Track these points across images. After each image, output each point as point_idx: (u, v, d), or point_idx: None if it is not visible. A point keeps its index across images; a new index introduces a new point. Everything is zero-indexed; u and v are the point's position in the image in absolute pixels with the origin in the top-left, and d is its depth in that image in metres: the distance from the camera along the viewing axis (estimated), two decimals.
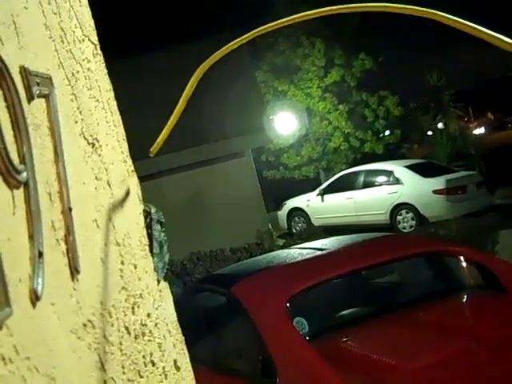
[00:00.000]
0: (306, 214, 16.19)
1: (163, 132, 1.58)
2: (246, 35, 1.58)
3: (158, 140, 1.58)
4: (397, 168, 14.58)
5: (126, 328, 1.22)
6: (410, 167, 14.50)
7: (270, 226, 12.82)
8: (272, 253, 5.96)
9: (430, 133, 22.32)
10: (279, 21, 1.59)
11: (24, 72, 1.01)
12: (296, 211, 16.55)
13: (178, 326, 1.56)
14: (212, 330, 4.67)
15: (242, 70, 12.93)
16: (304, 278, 4.13)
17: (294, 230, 16.01)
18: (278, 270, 4.50)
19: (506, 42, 1.11)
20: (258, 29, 1.63)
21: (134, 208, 1.49)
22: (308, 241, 8.06)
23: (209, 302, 5.04)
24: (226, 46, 1.59)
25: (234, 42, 1.58)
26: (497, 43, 1.13)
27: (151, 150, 1.58)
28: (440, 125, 21.59)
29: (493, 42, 1.15)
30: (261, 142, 14.20)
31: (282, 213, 16.87)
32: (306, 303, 4.18)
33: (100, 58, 1.51)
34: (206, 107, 11.34)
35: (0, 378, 0.78)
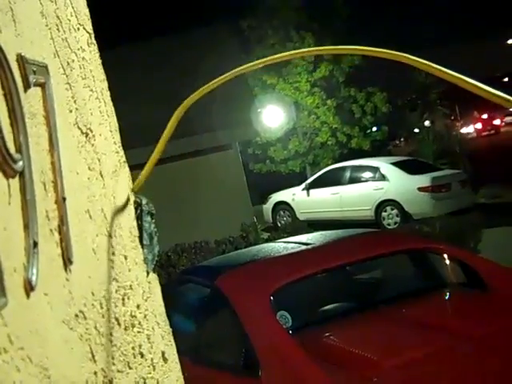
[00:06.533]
0: (291, 208, 16.22)
1: (144, 169, 1.55)
2: (234, 71, 1.54)
3: (140, 178, 1.56)
4: (383, 164, 14.64)
5: (117, 319, 1.22)
6: (396, 164, 14.56)
7: (255, 219, 12.82)
8: (257, 246, 5.97)
9: (416, 130, 22.46)
10: (272, 57, 1.56)
11: (21, 60, 1.00)
12: (281, 205, 16.58)
13: (166, 317, 1.56)
14: (195, 321, 4.67)
15: (230, 62, 12.89)
16: (288, 272, 4.14)
17: (279, 224, 16.04)
18: (263, 264, 4.51)
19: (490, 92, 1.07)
20: (248, 65, 1.61)
21: (125, 199, 1.49)
22: (293, 235, 8.08)
23: (193, 293, 5.04)
24: (208, 85, 1.52)
25: (218, 79, 1.52)
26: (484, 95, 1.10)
27: (132, 187, 1.55)
28: (427, 122, 21.71)
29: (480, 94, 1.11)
30: (248, 135, 14.19)
31: (267, 206, 16.90)
32: (290, 297, 4.20)
33: (94, 47, 1.50)
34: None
35: None
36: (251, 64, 1.63)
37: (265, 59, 1.59)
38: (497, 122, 49.65)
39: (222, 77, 1.55)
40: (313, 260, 4.41)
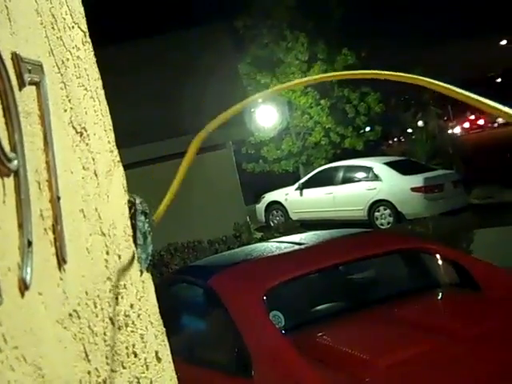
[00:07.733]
0: (284, 208, 16.25)
1: (164, 201, 1.61)
2: (245, 101, 1.56)
3: (160, 209, 1.60)
4: (376, 165, 14.68)
5: (110, 319, 1.21)
6: (389, 164, 14.60)
7: (248, 219, 12.83)
8: (250, 246, 5.97)
9: (410, 130, 22.55)
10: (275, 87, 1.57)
11: (16, 58, 0.99)
12: (274, 205, 16.60)
13: (160, 317, 1.56)
14: (188, 321, 4.67)
15: (224, 61, 12.90)
16: (281, 272, 4.14)
17: (272, 224, 16.06)
18: (256, 263, 4.51)
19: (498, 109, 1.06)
20: (273, 88, 1.63)
21: (119, 198, 1.49)
22: (286, 235, 8.08)
23: (185, 293, 5.04)
24: (223, 114, 1.56)
25: (232, 109, 1.55)
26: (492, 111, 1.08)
27: (153, 218, 1.60)
28: (420, 123, 21.79)
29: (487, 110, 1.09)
30: (242, 134, 14.19)
31: (261, 206, 16.91)
32: (283, 297, 4.20)
33: (89, 46, 1.50)
34: (187, 98, 11.26)
35: None
36: (277, 87, 1.65)
37: (290, 83, 1.61)
38: (481, 121, 55.76)
39: (242, 103, 1.56)
40: (306, 260, 4.41)
